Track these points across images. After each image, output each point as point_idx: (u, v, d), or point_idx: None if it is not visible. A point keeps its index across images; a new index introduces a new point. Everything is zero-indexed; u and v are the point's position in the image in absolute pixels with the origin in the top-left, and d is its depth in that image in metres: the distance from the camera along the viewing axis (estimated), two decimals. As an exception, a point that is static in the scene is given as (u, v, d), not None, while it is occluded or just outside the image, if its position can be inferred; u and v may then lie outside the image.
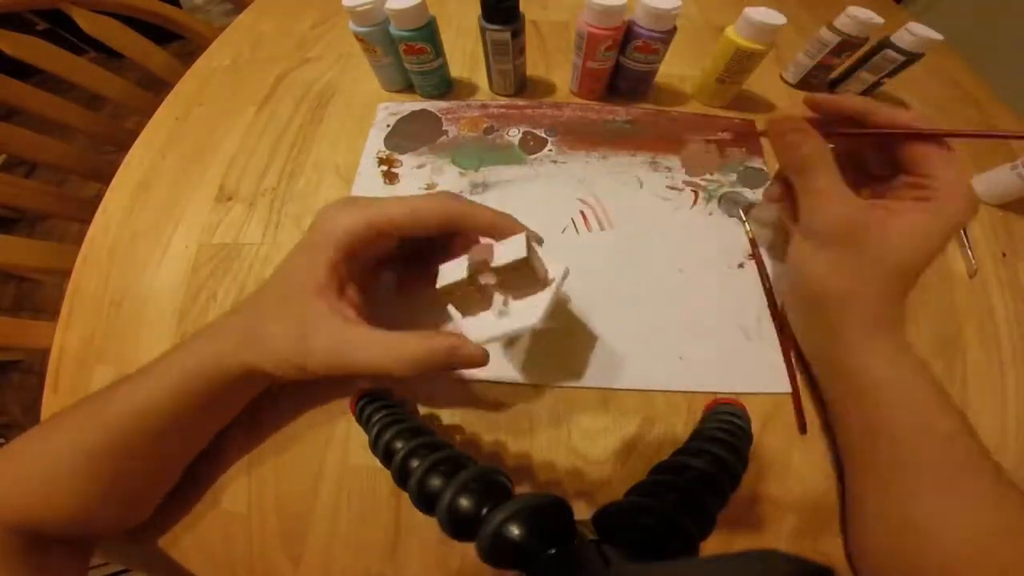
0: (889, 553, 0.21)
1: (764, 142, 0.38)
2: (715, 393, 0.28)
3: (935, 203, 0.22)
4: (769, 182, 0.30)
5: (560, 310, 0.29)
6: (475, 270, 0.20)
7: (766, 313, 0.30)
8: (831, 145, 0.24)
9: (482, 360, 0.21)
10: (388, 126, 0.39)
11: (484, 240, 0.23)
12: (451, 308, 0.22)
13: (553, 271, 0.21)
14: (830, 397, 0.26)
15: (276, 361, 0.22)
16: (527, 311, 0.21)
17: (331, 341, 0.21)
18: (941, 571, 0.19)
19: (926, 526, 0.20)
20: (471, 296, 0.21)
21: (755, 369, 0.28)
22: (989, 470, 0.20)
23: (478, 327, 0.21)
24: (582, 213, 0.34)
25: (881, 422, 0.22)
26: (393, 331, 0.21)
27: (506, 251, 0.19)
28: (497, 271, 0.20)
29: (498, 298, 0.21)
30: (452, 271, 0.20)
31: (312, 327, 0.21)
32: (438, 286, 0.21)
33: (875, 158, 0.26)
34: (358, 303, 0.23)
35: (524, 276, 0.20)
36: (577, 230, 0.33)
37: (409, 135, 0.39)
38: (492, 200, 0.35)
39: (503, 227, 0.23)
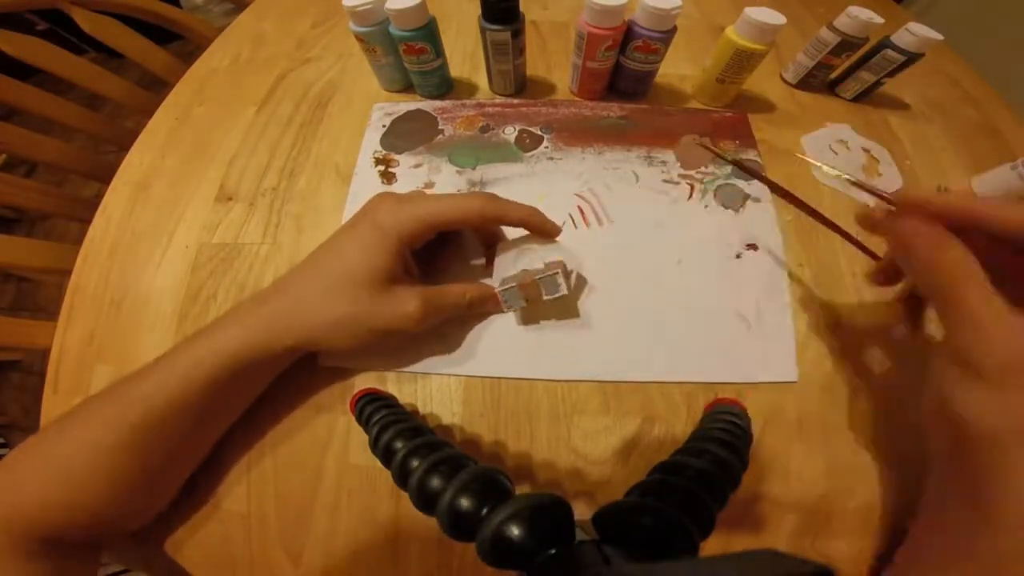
0: None
1: (759, 135, 0.38)
2: (716, 384, 0.28)
3: None
4: (874, 269, 0.25)
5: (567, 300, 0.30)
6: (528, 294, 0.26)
7: (765, 302, 0.30)
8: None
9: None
10: (384, 126, 0.39)
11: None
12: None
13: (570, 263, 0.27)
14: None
15: (348, 337, 0.24)
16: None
17: (423, 306, 0.24)
18: None
19: None
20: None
21: (756, 359, 0.28)
22: None
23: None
24: (580, 208, 0.34)
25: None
26: (456, 284, 0.27)
27: (545, 277, 0.25)
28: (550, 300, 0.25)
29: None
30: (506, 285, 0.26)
31: (400, 301, 0.24)
32: (498, 291, 0.26)
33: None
34: (418, 276, 0.27)
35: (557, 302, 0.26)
36: (576, 225, 0.33)
37: (405, 135, 0.39)
38: (492, 200, 0.35)
39: (533, 222, 0.26)
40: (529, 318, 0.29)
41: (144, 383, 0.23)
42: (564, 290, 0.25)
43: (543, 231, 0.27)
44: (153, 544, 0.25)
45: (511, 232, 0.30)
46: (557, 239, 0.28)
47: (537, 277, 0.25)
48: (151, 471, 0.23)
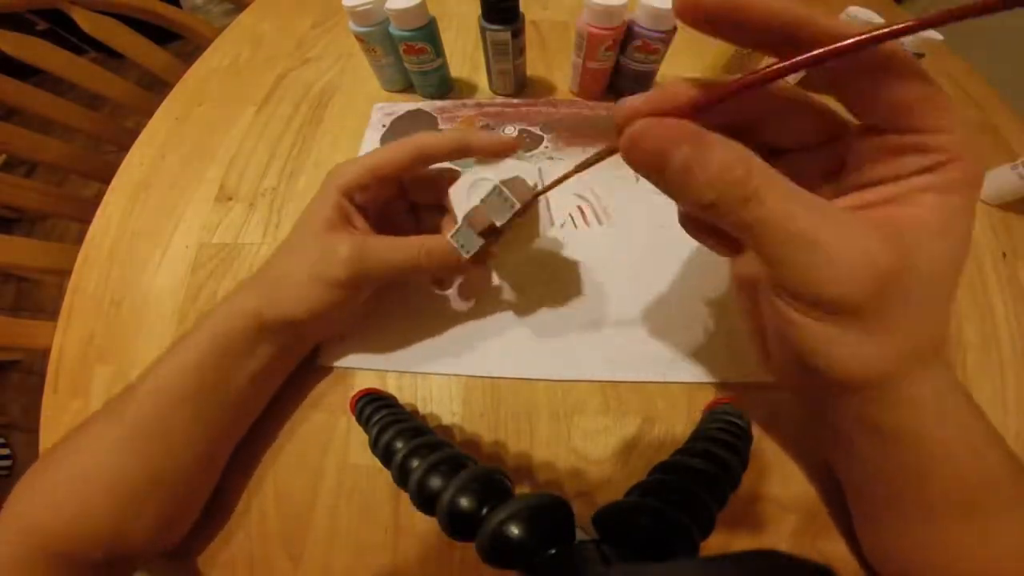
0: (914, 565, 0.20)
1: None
2: (716, 384, 0.28)
3: (953, 173, 0.13)
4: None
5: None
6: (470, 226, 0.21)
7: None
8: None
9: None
10: (384, 126, 0.39)
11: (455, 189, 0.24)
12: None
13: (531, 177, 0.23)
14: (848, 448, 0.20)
15: (295, 292, 0.23)
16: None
17: (354, 245, 0.23)
18: None
19: (954, 548, 0.18)
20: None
21: (756, 359, 0.28)
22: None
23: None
24: (580, 208, 0.34)
25: (922, 471, 0.17)
26: (412, 237, 0.24)
27: (499, 211, 0.20)
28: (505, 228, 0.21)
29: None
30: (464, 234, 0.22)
31: (333, 244, 0.23)
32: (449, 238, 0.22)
33: (792, 121, 0.16)
34: (368, 230, 0.25)
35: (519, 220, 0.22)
36: (576, 225, 0.33)
37: (405, 135, 0.38)
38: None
39: (475, 142, 0.24)
40: (498, 254, 0.25)
41: (141, 378, 0.23)
42: (513, 204, 0.20)
43: (489, 149, 0.23)
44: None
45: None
46: (513, 157, 0.24)
47: (480, 201, 0.20)
48: (157, 470, 0.22)
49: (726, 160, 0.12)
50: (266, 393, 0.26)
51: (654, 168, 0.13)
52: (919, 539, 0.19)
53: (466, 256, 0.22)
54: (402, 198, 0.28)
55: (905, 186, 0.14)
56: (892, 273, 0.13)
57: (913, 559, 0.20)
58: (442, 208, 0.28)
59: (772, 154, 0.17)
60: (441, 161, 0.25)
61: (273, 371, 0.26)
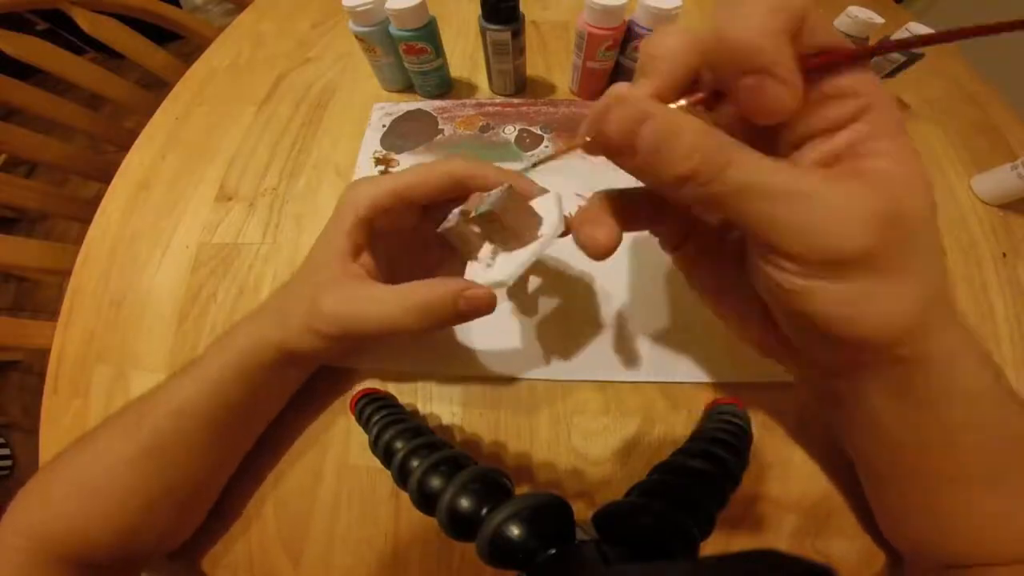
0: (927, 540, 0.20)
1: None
2: (717, 384, 0.28)
3: (884, 116, 0.12)
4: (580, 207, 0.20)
5: (561, 286, 0.29)
6: (462, 217, 0.19)
7: None
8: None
9: (488, 305, 0.19)
10: (384, 126, 0.39)
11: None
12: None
13: (550, 227, 0.19)
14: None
15: (298, 331, 0.22)
16: (505, 267, 0.19)
17: (338, 299, 0.21)
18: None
19: (978, 518, 0.18)
20: (471, 242, 0.20)
21: (756, 359, 0.28)
22: None
23: (470, 274, 0.20)
24: (580, 208, 0.34)
25: (946, 439, 0.17)
26: (400, 284, 0.21)
27: (483, 200, 0.19)
28: (477, 220, 0.19)
29: (487, 248, 0.20)
30: (450, 217, 0.20)
31: (322, 289, 0.21)
32: (438, 229, 0.20)
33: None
34: (371, 267, 0.23)
35: (503, 230, 0.19)
36: (576, 227, 0.33)
37: (405, 134, 0.39)
38: (492, 200, 0.35)
39: (519, 186, 0.21)
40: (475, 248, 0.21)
41: (159, 391, 0.23)
42: (487, 206, 0.18)
43: (527, 196, 0.21)
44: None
45: None
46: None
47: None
48: (172, 484, 0.22)
49: (698, 129, 0.12)
50: (280, 405, 0.27)
51: (624, 148, 0.12)
52: (943, 510, 0.19)
53: (443, 227, 0.20)
54: (425, 218, 0.24)
55: (845, 138, 0.12)
56: (890, 214, 0.12)
57: (937, 531, 0.20)
58: None
59: None
60: (478, 191, 0.21)
61: (293, 388, 0.27)
